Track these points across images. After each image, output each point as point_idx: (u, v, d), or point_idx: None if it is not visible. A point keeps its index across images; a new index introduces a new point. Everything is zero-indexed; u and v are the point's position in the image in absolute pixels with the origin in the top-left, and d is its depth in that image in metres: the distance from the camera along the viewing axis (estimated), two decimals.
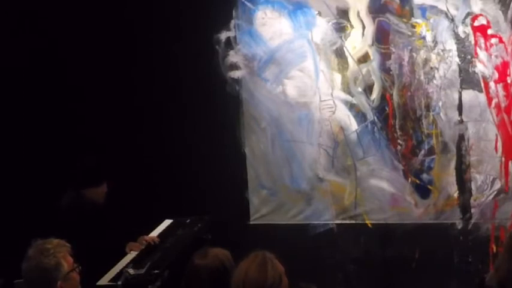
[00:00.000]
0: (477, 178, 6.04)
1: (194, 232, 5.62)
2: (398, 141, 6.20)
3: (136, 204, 6.38)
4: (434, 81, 6.05)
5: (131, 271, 4.79)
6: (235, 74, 6.45)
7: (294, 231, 6.38)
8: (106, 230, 5.35)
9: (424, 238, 6.11)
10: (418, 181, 6.17)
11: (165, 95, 6.60)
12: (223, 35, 6.40)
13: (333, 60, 6.30)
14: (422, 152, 6.14)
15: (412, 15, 6.05)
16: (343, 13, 6.21)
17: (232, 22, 6.41)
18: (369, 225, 6.33)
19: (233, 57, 6.44)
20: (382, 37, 6.14)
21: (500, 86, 5.93)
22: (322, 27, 6.27)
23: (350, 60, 6.26)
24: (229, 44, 6.42)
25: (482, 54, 5.91)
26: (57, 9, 6.50)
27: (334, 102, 6.31)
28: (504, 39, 5.86)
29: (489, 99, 5.94)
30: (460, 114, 6.03)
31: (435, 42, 6.01)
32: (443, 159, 6.10)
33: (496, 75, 5.92)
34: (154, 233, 5.74)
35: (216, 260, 3.66)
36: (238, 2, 6.39)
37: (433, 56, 6.03)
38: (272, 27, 6.38)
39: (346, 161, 6.30)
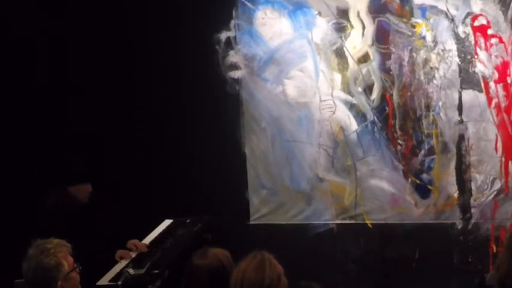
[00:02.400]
0: (477, 178, 6.04)
1: (194, 232, 5.61)
2: (398, 141, 6.20)
3: (136, 204, 6.39)
4: (434, 81, 6.05)
5: (131, 271, 4.77)
6: (235, 74, 6.45)
7: (294, 231, 6.38)
8: (104, 231, 5.34)
9: (424, 238, 6.11)
10: (418, 181, 6.17)
11: (165, 95, 6.60)
12: (223, 35, 6.41)
13: (333, 60, 6.30)
14: (422, 152, 6.13)
15: (412, 15, 6.06)
16: (343, 13, 6.22)
17: (232, 22, 6.41)
18: (369, 225, 6.33)
19: (233, 57, 6.44)
20: (382, 37, 6.15)
21: (500, 86, 5.93)
22: (322, 27, 6.27)
23: (350, 60, 6.26)
24: (229, 44, 6.43)
25: (482, 54, 5.91)
26: (56, 8, 6.50)
27: (334, 102, 6.31)
28: (504, 39, 5.86)
29: (489, 99, 5.94)
30: (460, 114, 6.03)
31: (435, 42, 6.01)
32: (443, 159, 6.10)
33: (496, 75, 5.92)
34: (154, 233, 5.73)
35: (216, 260, 3.66)
36: (238, 2, 6.39)
37: (433, 56, 6.03)
38: (272, 27, 6.38)
39: (346, 161, 6.30)
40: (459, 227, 6.08)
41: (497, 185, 5.98)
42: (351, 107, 6.30)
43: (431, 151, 6.13)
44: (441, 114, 6.07)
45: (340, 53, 6.28)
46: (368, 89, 6.25)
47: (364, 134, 6.27)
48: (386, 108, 6.21)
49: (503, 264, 3.46)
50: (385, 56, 6.16)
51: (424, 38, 6.03)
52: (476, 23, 5.91)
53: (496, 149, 5.96)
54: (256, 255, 3.46)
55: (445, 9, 5.96)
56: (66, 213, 5.18)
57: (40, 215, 5.33)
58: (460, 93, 6.01)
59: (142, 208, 6.34)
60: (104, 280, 4.90)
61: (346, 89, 6.29)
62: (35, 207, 5.56)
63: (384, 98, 6.21)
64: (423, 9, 6.02)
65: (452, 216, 6.12)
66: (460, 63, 5.98)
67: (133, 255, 5.25)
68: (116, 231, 5.44)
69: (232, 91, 6.48)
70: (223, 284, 3.55)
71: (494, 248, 5.96)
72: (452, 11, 5.95)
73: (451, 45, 5.98)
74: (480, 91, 5.95)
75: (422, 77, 6.08)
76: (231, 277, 3.45)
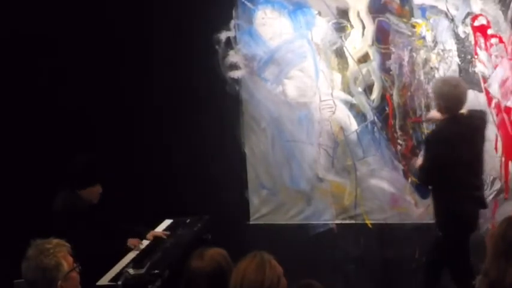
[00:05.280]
0: None
1: (194, 232, 5.62)
2: (398, 141, 6.20)
3: (137, 204, 6.39)
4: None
5: (131, 271, 4.78)
6: (235, 74, 6.45)
7: (294, 231, 6.38)
8: (104, 231, 5.36)
9: (424, 238, 6.11)
10: (418, 181, 6.17)
11: (165, 95, 6.60)
12: (223, 35, 6.41)
13: (333, 60, 6.30)
14: (422, 152, 6.13)
15: (412, 15, 6.06)
16: (343, 13, 6.22)
17: (232, 22, 6.41)
18: (369, 225, 6.33)
19: (233, 57, 6.44)
20: (382, 37, 6.15)
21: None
22: (322, 27, 6.27)
23: (350, 60, 6.26)
24: (229, 44, 6.43)
25: (482, 54, 5.91)
26: (57, 7, 6.50)
27: (334, 102, 6.31)
28: (504, 39, 5.86)
29: (489, 99, 5.94)
30: None
31: (435, 42, 6.01)
32: None
33: None
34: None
35: (213, 261, 3.64)
36: (238, 2, 6.39)
37: (433, 56, 6.03)
38: (272, 27, 6.38)
39: (346, 161, 6.30)
40: None
41: (497, 185, 5.98)
42: (351, 107, 6.30)
43: None
44: None
45: (340, 53, 6.28)
46: (368, 89, 6.25)
47: (364, 134, 6.27)
48: (386, 108, 6.21)
49: (492, 269, 3.37)
50: (385, 56, 6.16)
51: (424, 38, 6.03)
52: (476, 23, 5.91)
53: (496, 149, 5.96)
54: (255, 256, 3.45)
55: (445, 9, 5.96)
56: (75, 214, 5.21)
57: (47, 216, 5.33)
58: None
59: (142, 208, 6.34)
60: (104, 280, 4.91)
61: (346, 89, 6.29)
62: (40, 208, 5.55)
63: (384, 98, 6.21)
64: (423, 9, 6.02)
65: None
66: (460, 63, 5.98)
67: (142, 246, 5.33)
68: (115, 232, 5.45)
69: (232, 91, 6.48)
70: (222, 285, 3.55)
71: None
72: (452, 11, 5.95)
73: (451, 45, 5.98)
74: (480, 91, 5.95)
75: (422, 77, 6.08)
76: (231, 278, 3.44)
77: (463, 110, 5.40)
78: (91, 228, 5.23)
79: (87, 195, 5.33)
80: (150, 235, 5.52)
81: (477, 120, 5.52)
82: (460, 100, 5.36)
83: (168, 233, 5.58)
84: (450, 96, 5.32)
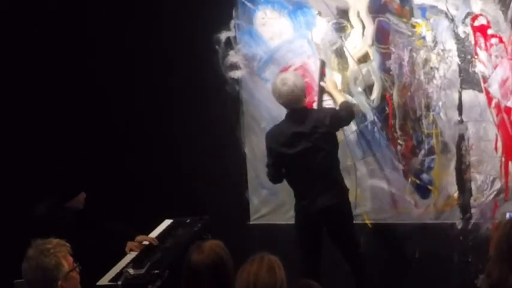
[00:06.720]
0: (477, 178, 6.03)
1: (194, 232, 5.62)
2: (399, 141, 6.20)
3: (137, 204, 6.39)
4: (434, 81, 6.05)
5: (131, 271, 4.78)
6: (235, 74, 6.46)
7: (294, 231, 6.37)
8: (104, 231, 5.35)
9: (424, 238, 6.11)
10: (418, 181, 6.17)
11: (165, 95, 6.60)
12: (223, 35, 6.41)
13: (333, 60, 6.30)
14: (422, 152, 6.13)
15: (412, 15, 6.05)
16: (343, 13, 6.21)
17: (232, 22, 6.42)
18: (369, 225, 6.33)
19: (233, 57, 6.44)
20: (382, 37, 6.14)
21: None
22: (322, 27, 6.27)
23: (350, 60, 6.26)
24: (229, 44, 6.43)
25: (482, 54, 5.90)
26: (54, 6, 6.50)
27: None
28: (504, 39, 5.85)
29: (489, 99, 5.94)
30: (460, 114, 6.03)
31: (435, 42, 6.01)
32: (443, 159, 6.10)
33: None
34: (154, 233, 5.74)
35: (212, 253, 3.66)
36: (238, 2, 6.39)
37: (433, 56, 6.03)
38: (272, 27, 6.38)
39: (346, 161, 6.29)
40: (459, 227, 6.07)
41: (497, 185, 5.97)
42: None
43: (431, 151, 6.13)
44: (441, 114, 6.07)
45: (340, 53, 6.28)
46: (368, 89, 6.25)
47: (364, 134, 6.27)
48: (386, 108, 6.21)
49: (494, 270, 3.37)
50: (385, 56, 6.16)
51: (424, 38, 6.03)
52: (476, 23, 5.91)
53: (496, 149, 5.96)
54: (263, 258, 3.46)
55: (445, 9, 5.95)
56: (60, 220, 5.18)
57: (31, 223, 5.32)
58: (460, 93, 6.00)
59: (142, 208, 6.34)
60: (104, 280, 4.91)
61: (346, 89, 6.29)
62: (26, 214, 5.54)
63: (384, 98, 6.20)
64: (423, 9, 6.01)
65: (452, 216, 6.11)
66: (460, 63, 5.98)
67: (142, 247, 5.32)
68: (115, 231, 5.45)
69: (232, 91, 6.48)
70: (222, 276, 3.57)
71: None
72: (452, 11, 5.94)
73: (451, 45, 5.98)
74: (480, 91, 5.95)
75: (422, 77, 6.07)
76: (238, 280, 3.44)
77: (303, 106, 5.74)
78: (81, 229, 5.19)
79: (73, 204, 5.31)
80: (137, 239, 5.41)
81: (321, 116, 5.75)
82: (296, 100, 5.67)
83: (156, 241, 5.45)
84: (286, 97, 5.66)
